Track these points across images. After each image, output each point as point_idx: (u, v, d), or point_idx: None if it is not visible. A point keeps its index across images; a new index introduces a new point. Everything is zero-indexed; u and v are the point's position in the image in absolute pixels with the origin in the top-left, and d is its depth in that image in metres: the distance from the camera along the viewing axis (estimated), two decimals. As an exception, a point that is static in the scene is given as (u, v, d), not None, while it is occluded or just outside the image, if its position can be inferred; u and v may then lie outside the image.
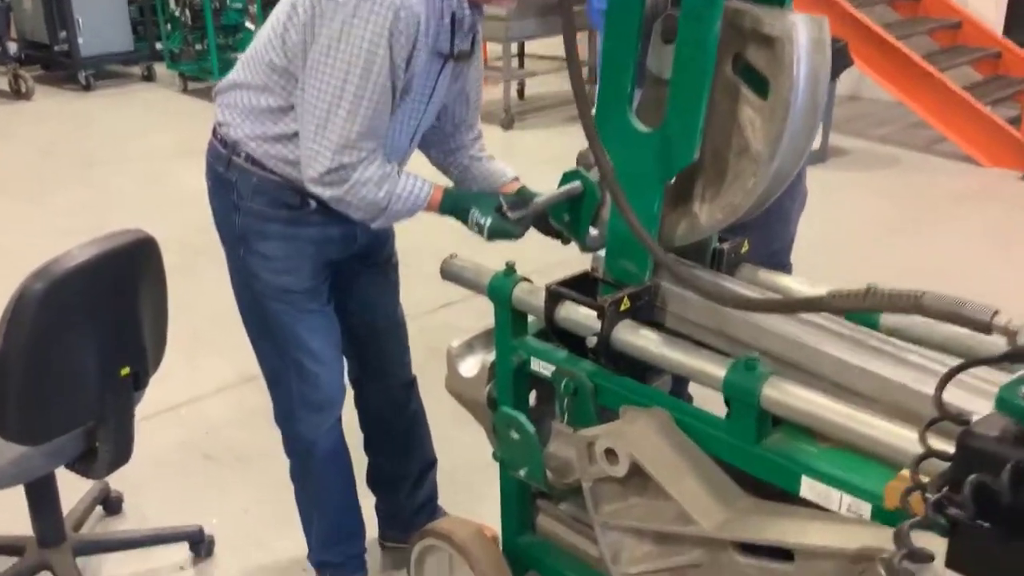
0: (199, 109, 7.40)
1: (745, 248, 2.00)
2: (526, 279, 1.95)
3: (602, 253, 1.97)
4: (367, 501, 2.43)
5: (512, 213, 1.92)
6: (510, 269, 1.96)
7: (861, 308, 1.41)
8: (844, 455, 1.52)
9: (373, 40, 1.75)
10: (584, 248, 2.03)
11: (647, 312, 1.83)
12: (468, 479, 2.70)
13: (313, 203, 1.99)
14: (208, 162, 2.08)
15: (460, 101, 2.12)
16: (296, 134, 1.90)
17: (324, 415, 2.14)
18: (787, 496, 1.58)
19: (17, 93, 7.87)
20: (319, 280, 2.08)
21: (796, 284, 1.93)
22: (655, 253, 1.64)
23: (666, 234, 1.81)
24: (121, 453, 2.13)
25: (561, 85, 8.13)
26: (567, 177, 1.96)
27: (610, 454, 1.66)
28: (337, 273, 2.13)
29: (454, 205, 1.94)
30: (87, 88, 8.06)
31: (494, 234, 1.93)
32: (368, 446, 2.43)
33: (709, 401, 1.76)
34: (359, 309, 2.24)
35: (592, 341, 1.76)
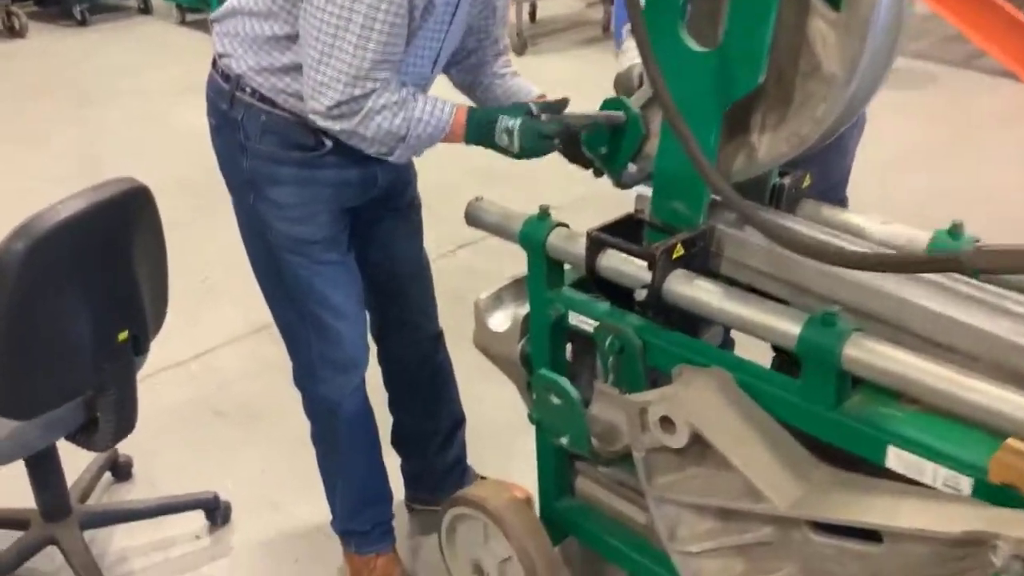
0: (197, 42, 7.09)
1: (807, 182, 1.79)
2: (562, 224, 1.75)
3: (644, 191, 1.76)
4: (392, 462, 2.27)
5: (545, 118, 1.71)
6: (544, 212, 1.75)
7: (995, 268, 1.19)
8: (936, 420, 1.33)
9: None
10: (619, 184, 1.81)
11: (702, 260, 1.62)
12: (496, 436, 2.54)
13: (329, 142, 1.78)
14: (209, 98, 1.87)
15: (486, 14, 1.89)
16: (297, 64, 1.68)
17: (348, 376, 1.95)
18: (869, 466, 1.40)
19: (11, 31, 7.56)
20: (338, 228, 1.88)
21: (866, 222, 1.72)
22: (726, 195, 1.42)
23: (721, 169, 1.60)
24: (124, 423, 1.96)
25: (574, 6, 7.76)
26: (608, 105, 1.73)
27: (665, 422, 1.48)
28: (356, 219, 1.93)
29: (480, 122, 1.71)
30: (82, 23, 7.73)
31: (526, 138, 1.68)
32: (393, 404, 2.25)
33: (750, 348, 1.59)
34: (381, 258, 2.04)
35: (641, 294, 1.56)
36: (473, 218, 1.87)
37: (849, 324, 1.36)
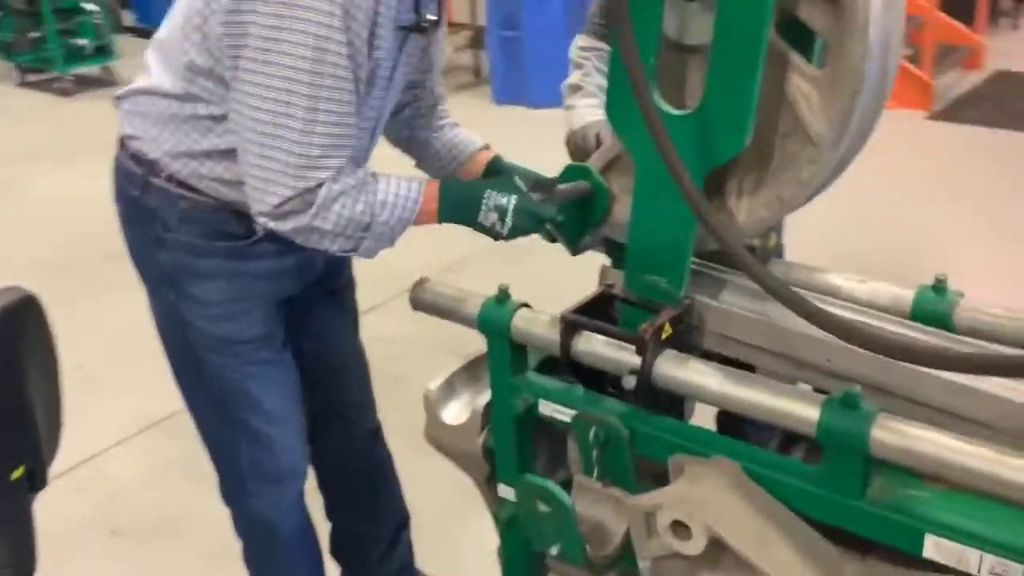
0: (42, 103, 6.62)
1: (773, 242, 1.69)
2: (525, 304, 1.59)
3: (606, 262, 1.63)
4: (332, 572, 2.03)
5: (536, 195, 1.54)
6: (504, 294, 1.59)
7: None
8: (973, 502, 1.23)
9: (322, 23, 1.33)
10: (575, 252, 1.68)
11: (687, 337, 1.50)
12: (440, 522, 2.34)
13: (262, 229, 1.57)
14: (118, 184, 1.63)
15: (424, 67, 1.72)
16: (235, 148, 1.47)
17: (285, 487, 1.73)
18: (899, 554, 1.29)
19: None
20: (273, 324, 1.66)
21: (843, 281, 1.63)
22: (752, 269, 1.24)
23: (699, 239, 1.48)
24: (23, 568, 1.66)
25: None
26: (571, 173, 1.59)
27: (678, 527, 1.33)
28: (288, 307, 1.71)
29: (459, 199, 1.52)
30: (-94, 88, 7.11)
31: (522, 218, 1.51)
32: (330, 509, 2.02)
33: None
34: (315, 347, 1.83)
35: (630, 381, 1.42)
36: (420, 302, 1.69)
37: (872, 405, 1.25)
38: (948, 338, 1.44)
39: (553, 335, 1.51)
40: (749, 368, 1.58)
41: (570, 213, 1.59)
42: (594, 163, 1.59)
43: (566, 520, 1.46)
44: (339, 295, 1.85)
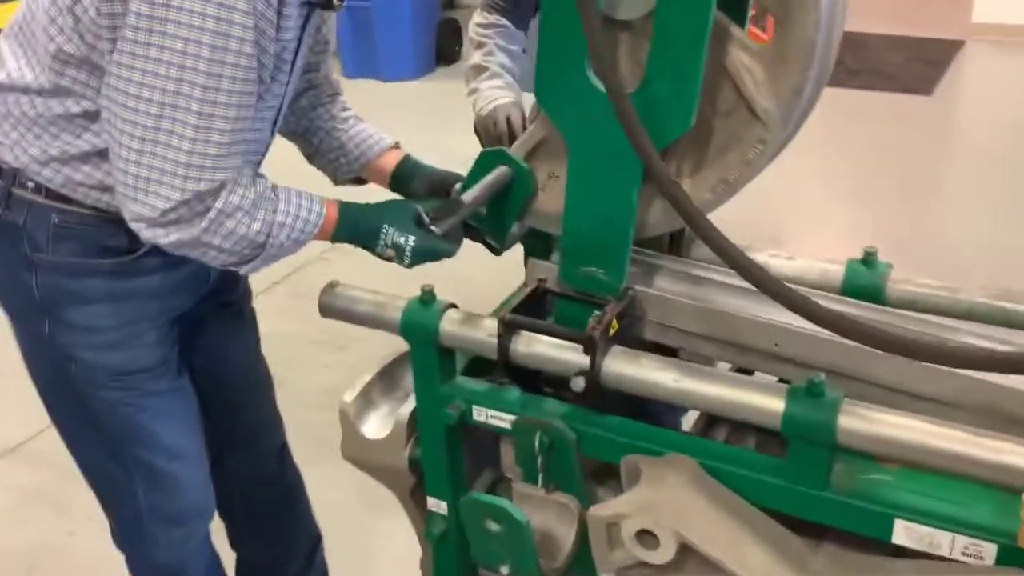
0: None
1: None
2: (452, 305, 1.46)
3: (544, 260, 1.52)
4: (237, 604, 1.86)
5: (439, 226, 1.41)
6: (429, 295, 1.46)
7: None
8: (935, 481, 1.22)
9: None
10: (503, 249, 1.57)
11: (631, 329, 1.42)
12: (347, 534, 2.19)
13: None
14: None
15: (319, 48, 1.55)
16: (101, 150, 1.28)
17: (191, 528, 1.55)
18: (858, 539, 1.27)
19: None
20: (167, 347, 1.47)
21: (769, 259, 1.60)
22: (747, 268, 1.14)
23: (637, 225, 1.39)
24: None
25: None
26: (487, 159, 1.47)
27: (644, 535, 1.25)
28: (181, 325, 1.52)
29: (356, 225, 1.39)
30: None
31: (418, 258, 1.41)
32: (236, 538, 1.84)
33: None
34: (213, 367, 1.64)
35: (579, 383, 1.32)
36: (330, 308, 1.53)
37: (836, 392, 1.21)
38: (885, 312, 1.42)
39: (489, 338, 1.39)
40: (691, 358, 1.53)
41: (492, 206, 1.48)
42: (517, 149, 1.48)
43: (520, 537, 1.36)
44: (235, 306, 1.67)
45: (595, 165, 1.32)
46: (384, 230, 1.38)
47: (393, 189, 1.64)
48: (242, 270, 1.35)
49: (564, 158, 1.46)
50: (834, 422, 1.18)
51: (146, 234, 1.27)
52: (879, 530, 1.22)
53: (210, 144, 1.21)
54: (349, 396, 1.59)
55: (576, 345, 1.33)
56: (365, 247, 1.41)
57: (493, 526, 1.37)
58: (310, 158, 1.67)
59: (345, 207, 1.40)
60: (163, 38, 1.15)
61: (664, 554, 1.24)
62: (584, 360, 1.33)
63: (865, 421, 1.18)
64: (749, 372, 1.47)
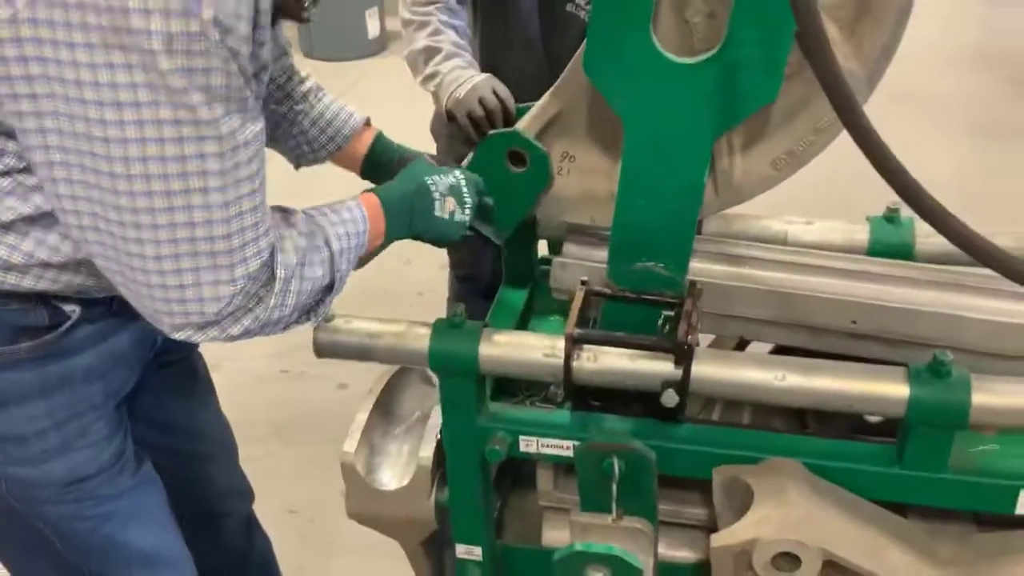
0: None
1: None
2: (485, 324, 1.24)
3: (572, 260, 1.32)
4: None
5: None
6: (459, 316, 1.22)
7: None
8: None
9: (196, 50, 0.84)
10: (504, 237, 1.36)
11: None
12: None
13: (74, 307, 1.05)
14: None
15: (276, 54, 1.24)
16: (34, 216, 0.96)
17: None
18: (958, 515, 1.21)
19: None
20: (120, 437, 1.16)
21: (787, 226, 1.49)
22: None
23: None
24: None
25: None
26: (496, 143, 1.26)
27: (782, 558, 1.11)
28: (129, 399, 1.19)
29: (402, 197, 1.14)
30: None
31: (474, 190, 1.21)
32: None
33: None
34: (166, 438, 1.31)
35: (672, 397, 1.15)
36: (329, 347, 1.26)
37: (962, 368, 1.12)
38: (929, 270, 1.35)
39: (547, 359, 1.19)
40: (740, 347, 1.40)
41: (504, 191, 1.27)
42: (527, 128, 1.27)
43: (633, 586, 1.17)
44: (186, 362, 1.33)
45: (657, 145, 1.14)
46: (432, 181, 1.15)
47: (366, 176, 1.37)
48: (311, 323, 1.08)
49: (581, 135, 1.27)
50: (967, 402, 1.09)
51: (198, 337, 0.98)
52: (1001, 504, 1.16)
53: (244, 216, 0.93)
54: (350, 446, 1.33)
55: (655, 353, 1.16)
56: (424, 221, 1.15)
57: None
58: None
59: (374, 190, 1.15)
60: (142, 134, 0.86)
61: (806, 574, 1.11)
62: (667, 369, 1.16)
63: (998, 395, 1.11)
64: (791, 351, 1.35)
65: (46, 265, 1.00)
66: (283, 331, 1.04)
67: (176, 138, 0.86)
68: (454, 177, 1.17)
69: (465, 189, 1.17)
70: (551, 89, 1.26)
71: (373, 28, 5.23)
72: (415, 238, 1.19)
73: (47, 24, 0.83)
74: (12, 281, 1.00)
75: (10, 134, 0.92)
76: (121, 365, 1.13)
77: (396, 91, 3.15)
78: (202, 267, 0.92)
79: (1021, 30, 5.17)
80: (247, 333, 0.99)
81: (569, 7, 1.82)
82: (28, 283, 1.01)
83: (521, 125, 1.27)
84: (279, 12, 1.00)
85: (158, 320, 0.97)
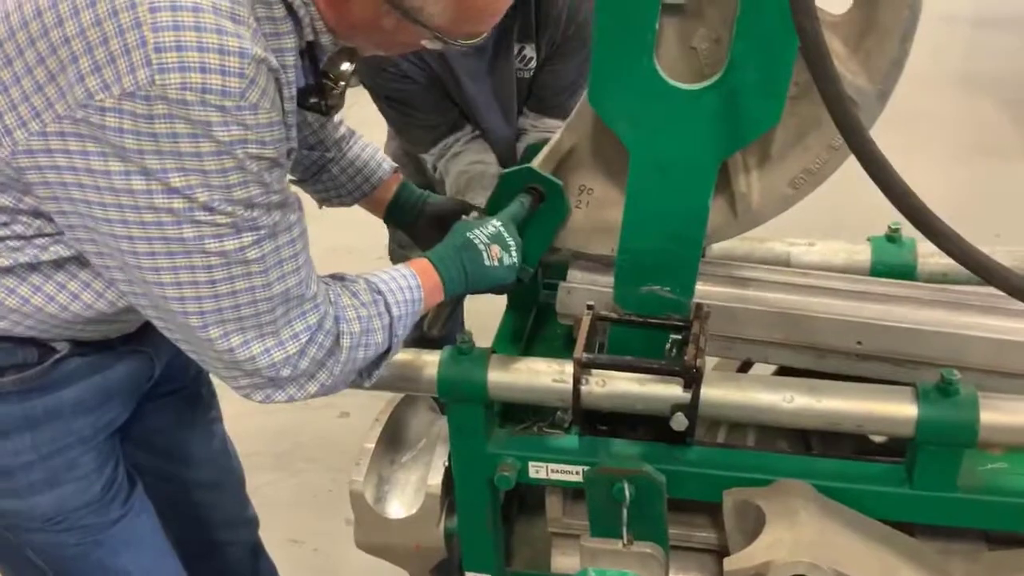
0: None
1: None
2: (491, 350, 1.24)
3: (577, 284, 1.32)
4: None
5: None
6: (467, 343, 1.23)
7: None
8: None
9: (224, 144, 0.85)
10: (527, 275, 1.35)
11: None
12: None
13: (67, 345, 1.05)
14: None
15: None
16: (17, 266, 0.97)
17: None
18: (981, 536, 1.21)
19: None
20: (110, 467, 1.15)
21: (790, 248, 1.50)
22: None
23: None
24: None
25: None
26: (512, 179, 1.26)
27: (798, 580, 1.11)
28: (128, 424, 1.20)
29: (452, 253, 1.15)
30: None
31: (514, 233, 1.21)
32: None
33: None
34: (169, 466, 1.31)
35: (682, 421, 1.16)
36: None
37: (970, 387, 1.13)
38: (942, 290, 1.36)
39: (557, 385, 1.19)
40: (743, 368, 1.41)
41: (521, 232, 1.27)
42: (544, 164, 1.27)
43: (648, 611, 1.17)
44: (189, 390, 1.33)
45: (661, 170, 1.15)
46: (471, 234, 1.16)
47: (389, 220, 1.38)
48: (367, 385, 1.11)
49: (596, 167, 1.28)
50: (976, 420, 1.10)
51: (279, 398, 1.00)
52: (1011, 522, 1.16)
53: (289, 278, 0.95)
54: (359, 475, 1.33)
55: (664, 377, 1.16)
56: (475, 271, 1.15)
57: (611, 603, 1.18)
58: (294, 182, 1.36)
59: (425, 255, 1.16)
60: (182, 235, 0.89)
61: (820, 597, 1.10)
62: (676, 393, 1.16)
63: (1005, 413, 1.11)
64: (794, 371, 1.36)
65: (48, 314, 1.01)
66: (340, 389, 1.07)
67: (215, 235, 0.88)
68: (493, 226, 1.18)
69: (506, 233, 1.18)
70: (564, 124, 1.27)
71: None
72: (473, 292, 1.20)
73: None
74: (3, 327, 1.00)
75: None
76: (113, 399, 1.13)
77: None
78: (250, 339, 0.95)
79: (1008, 52, 5.23)
80: (325, 392, 1.02)
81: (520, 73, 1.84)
82: (4, 325, 1.01)
83: (536, 163, 1.28)
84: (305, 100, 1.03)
85: (233, 383, 1.00)
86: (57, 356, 1.05)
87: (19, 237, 0.95)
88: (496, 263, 1.15)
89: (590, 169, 1.27)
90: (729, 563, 1.13)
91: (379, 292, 1.06)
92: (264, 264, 0.91)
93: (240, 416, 1.52)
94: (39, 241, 0.95)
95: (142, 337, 1.13)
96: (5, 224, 0.94)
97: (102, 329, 1.07)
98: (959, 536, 1.23)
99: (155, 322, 0.97)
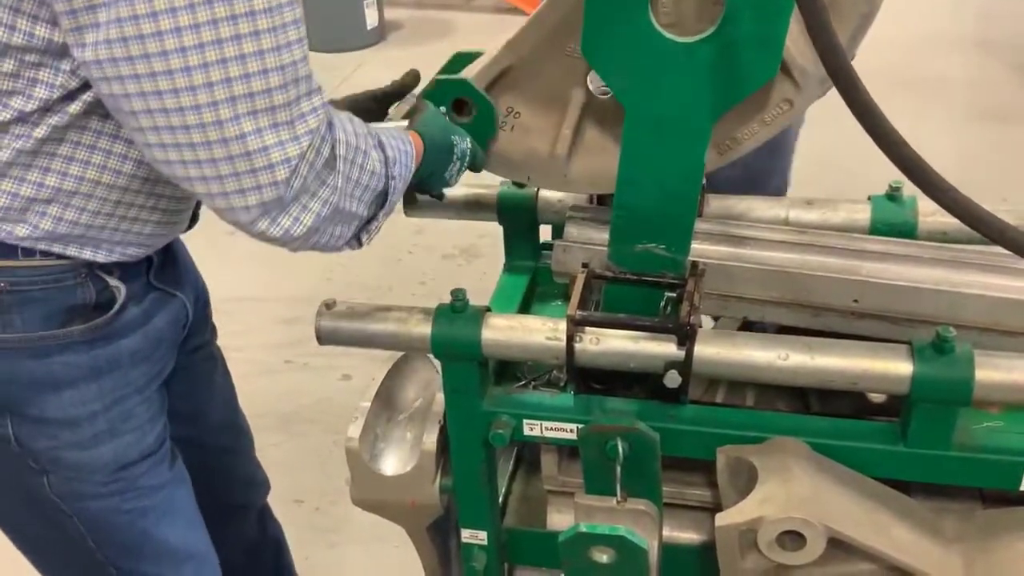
0: None
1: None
2: (486, 307, 1.24)
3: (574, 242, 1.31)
4: None
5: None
6: (460, 301, 1.22)
7: None
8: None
9: None
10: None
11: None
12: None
13: (123, 287, 1.05)
14: None
15: None
16: (54, 152, 0.95)
17: None
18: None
19: None
20: (160, 424, 1.16)
21: (788, 209, 1.48)
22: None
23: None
24: None
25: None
26: (447, 87, 1.25)
27: (787, 536, 1.11)
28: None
29: (439, 147, 1.15)
30: None
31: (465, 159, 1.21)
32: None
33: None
34: (192, 430, 1.31)
35: (676, 378, 1.16)
36: (331, 334, 1.26)
37: (965, 343, 1.12)
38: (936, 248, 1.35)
39: (550, 342, 1.19)
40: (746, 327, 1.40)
41: None
42: (479, 80, 1.25)
43: (636, 564, 1.17)
44: (208, 348, 1.34)
45: (656, 125, 1.14)
46: (455, 142, 1.16)
47: None
48: (365, 241, 1.07)
49: (529, 91, 1.27)
50: (971, 378, 1.09)
51: (273, 230, 0.94)
52: (1006, 481, 1.16)
53: (298, 64, 0.89)
54: (354, 432, 1.33)
55: (657, 335, 1.16)
56: (439, 172, 1.15)
57: (601, 558, 1.18)
58: None
59: (416, 130, 1.14)
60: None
61: (811, 553, 1.10)
62: (670, 350, 1.16)
63: (1002, 371, 1.10)
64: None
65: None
66: (346, 242, 1.04)
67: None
68: (467, 144, 1.18)
69: (468, 156, 1.18)
70: (505, 42, 1.25)
71: (371, 18, 5.22)
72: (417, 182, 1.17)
73: None
74: (59, 245, 1.00)
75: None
76: (159, 348, 1.14)
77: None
78: (263, 127, 0.88)
79: (1022, 16, 5.16)
80: (317, 227, 0.97)
81: None
82: (73, 251, 1.00)
83: (470, 74, 1.26)
84: None
85: (228, 208, 0.92)
86: (118, 305, 1.05)
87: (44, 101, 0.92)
88: (450, 177, 1.17)
89: (522, 93, 1.25)
90: (721, 518, 1.13)
91: (371, 129, 1.04)
92: (271, 21, 0.86)
93: (243, 378, 1.52)
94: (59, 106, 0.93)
95: (177, 278, 1.15)
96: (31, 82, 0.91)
97: (153, 221, 1.05)
98: (954, 495, 1.23)
99: (158, 154, 0.90)
